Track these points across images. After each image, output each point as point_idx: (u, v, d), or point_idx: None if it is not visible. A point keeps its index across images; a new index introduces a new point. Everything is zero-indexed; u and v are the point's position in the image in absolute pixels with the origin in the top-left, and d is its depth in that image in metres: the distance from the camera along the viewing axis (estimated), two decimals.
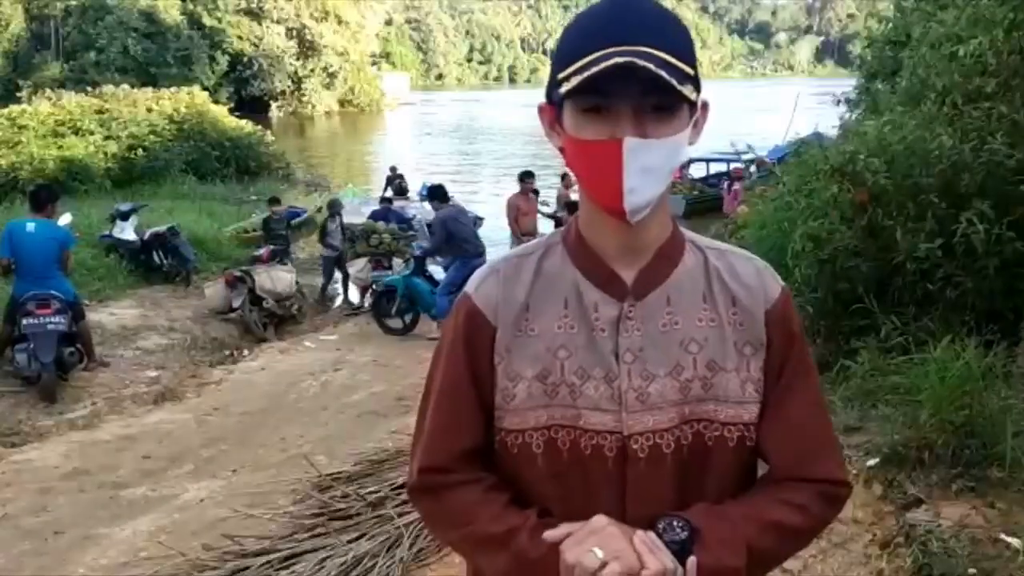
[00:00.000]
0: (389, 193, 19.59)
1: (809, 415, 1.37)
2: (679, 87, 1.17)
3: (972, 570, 3.31)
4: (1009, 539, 3.45)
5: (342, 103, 63.39)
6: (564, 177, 14.72)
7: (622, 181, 1.21)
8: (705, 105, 1.31)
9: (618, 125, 1.21)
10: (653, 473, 1.30)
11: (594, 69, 1.17)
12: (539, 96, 1.36)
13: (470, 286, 1.41)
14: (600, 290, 1.33)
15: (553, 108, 1.30)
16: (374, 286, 12.14)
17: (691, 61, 1.23)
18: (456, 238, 10.12)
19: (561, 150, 1.31)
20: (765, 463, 1.39)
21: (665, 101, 1.21)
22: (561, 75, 1.22)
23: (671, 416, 1.30)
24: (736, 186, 16.99)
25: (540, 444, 1.32)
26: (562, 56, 1.24)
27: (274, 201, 14.15)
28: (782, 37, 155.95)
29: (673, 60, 1.19)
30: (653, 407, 1.30)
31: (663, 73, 1.16)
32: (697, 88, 1.24)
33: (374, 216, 14.21)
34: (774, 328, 1.35)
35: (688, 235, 1.41)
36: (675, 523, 1.24)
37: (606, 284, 1.33)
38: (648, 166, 1.22)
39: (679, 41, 1.23)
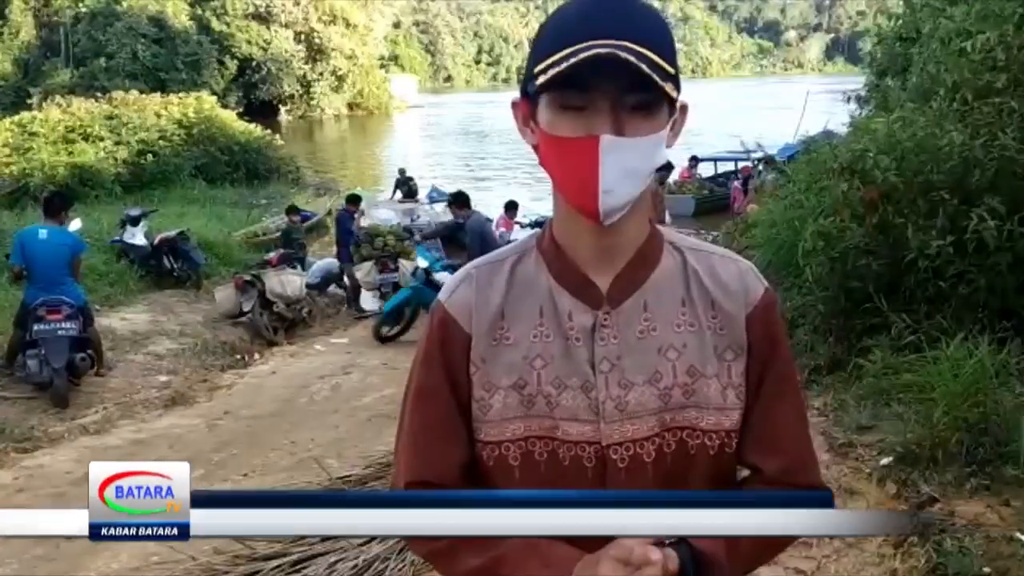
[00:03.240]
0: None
1: (794, 425, 1.35)
2: (661, 83, 1.15)
3: (987, 569, 3.29)
4: None
5: (351, 106, 63.48)
6: None
7: (598, 180, 1.17)
8: (684, 107, 1.27)
9: (595, 122, 1.17)
10: (634, 483, 1.26)
11: (573, 60, 1.14)
12: None
13: (443, 293, 1.37)
14: (574, 298, 1.30)
15: (527, 103, 1.26)
16: (380, 288, 12.10)
17: (672, 60, 1.20)
18: (491, 245, 10.09)
19: (535, 148, 1.27)
20: (747, 469, 1.36)
21: (645, 99, 1.18)
22: (538, 68, 1.19)
23: (651, 425, 1.27)
24: (749, 184, 16.92)
25: (517, 456, 1.29)
26: (540, 48, 1.21)
27: (292, 210, 14.14)
28: (791, 35, 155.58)
29: (655, 57, 1.15)
30: (632, 416, 1.26)
31: (644, 67, 1.13)
32: (677, 88, 1.21)
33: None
34: (755, 332, 1.31)
35: (668, 235, 1.37)
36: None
37: (580, 292, 1.30)
38: (625, 166, 1.18)
39: (661, 39, 1.19)
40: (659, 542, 1.16)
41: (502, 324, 1.32)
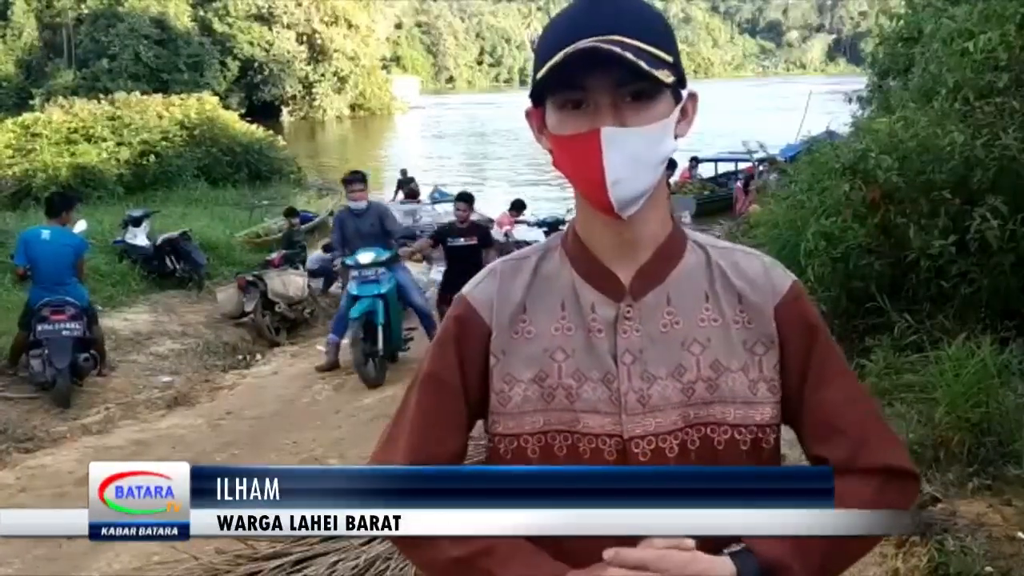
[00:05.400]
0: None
1: (850, 404, 1.31)
2: (649, 69, 1.16)
3: (989, 568, 3.29)
4: None
5: (353, 107, 63.55)
6: None
7: (604, 172, 1.19)
8: (692, 95, 1.29)
9: (597, 116, 1.20)
10: None
11: (559, 57, 1.17)
12: None
13: (467, 287, 1.39)
14: (597, 290, 1.30)
15: (539, 111, 1.29)
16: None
17: (666, 47, 1.22)
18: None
19: (551, 152, 1.29)
20: (815, 463, 1.32)
21: (641, 88, 1.20)
22: (539, 75, 1.22)
23: (674, 419, 1.26)
24: (751, 185, 16.89)
25: (536, 449, 1.29)
26: (539, 56, 1.24)
27: (291, 213, 14.17)
28: (794, 35, 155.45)
29: (643, 45, 1.18)
30: (655, 409, 1.26)
31: (629, 55, 1.15)
32: (677, 75, 1.23)
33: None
34: (787, 323, 1.31)
35: (690, 234, 1.37)
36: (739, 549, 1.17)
37: (603, 284, 1.30)
38: (631, 155, 1.20)
39: (652, 29, 1.22)
40: (716, 548, 1.16)
41: (524, 317, 1.32)
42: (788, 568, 1.18)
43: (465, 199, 9.40)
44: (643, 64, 1.15)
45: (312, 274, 12.42)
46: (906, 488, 1.31)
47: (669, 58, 1.21)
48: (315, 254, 13.37)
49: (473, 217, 9.62)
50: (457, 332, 1.35)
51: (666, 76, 1.19)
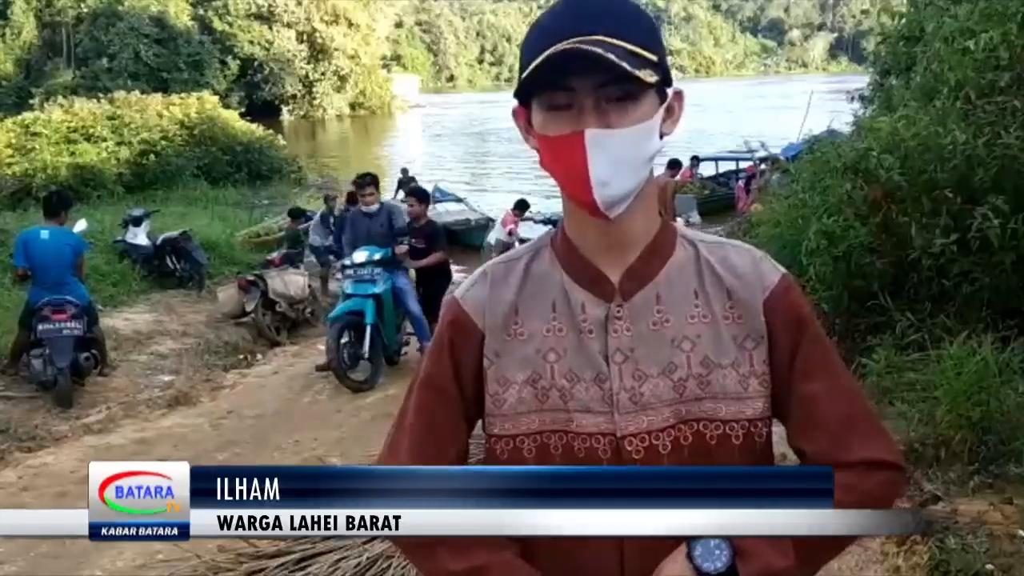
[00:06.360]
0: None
1: (832, 398, 1.30)
2: (632, 70, 1.15)
3: (990, 566, 3.30)
4: None
5: (353, 106, 63.56)
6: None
7: (589, 174, 1.19)
8: (678, 93, 1.29)
9: (581, 118, 1.20)
10: None
11: (540, 59, 1.17)
12: None
13: (459, 290, 1.40)
14: (586, 291, 1.31)
15: (525, 111, 1.29)
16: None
17: (650, 46, 1.21)
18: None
19: (538, 151, 1.29)
20: (797, 455, 1.33)
21: (625, 89, 1.19)
22: (522, 76, 1.22)
23: (666, 416, 1.26)
24: (752, 184, 16.88)
25: (532, 449, 1.30)
26: (523, 57, 1.24)
27: (298, 215, 14.17)
28: (795, 34, 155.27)
29: (626, 44, 1.17)
30: (647, 407, 1.26)
31: (611, 56, 1.14)
32: (662, 73, 1.22)
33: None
34: (776, 316, 1.30)
35: (680, 230, 1.37)
36: (712, 544, 1.15)
37: (592, 284, 1.31)
38: (616, 157, 1.20)
39: (636, 28, 1.21)
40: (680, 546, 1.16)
41: (516, 319, 1.33)
42: (758, 548, 1.16)
43: (416, 194, 9.17)
44: (625, 65, 1.15)
45: (313, 250, 12.47)
46: (887, 479, 1.29)
47: (653, 57, 1.21)
48: (312, 224, 13.41)
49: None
50: (451, 336, 1.36)
51: (649, 76, 1.19)
